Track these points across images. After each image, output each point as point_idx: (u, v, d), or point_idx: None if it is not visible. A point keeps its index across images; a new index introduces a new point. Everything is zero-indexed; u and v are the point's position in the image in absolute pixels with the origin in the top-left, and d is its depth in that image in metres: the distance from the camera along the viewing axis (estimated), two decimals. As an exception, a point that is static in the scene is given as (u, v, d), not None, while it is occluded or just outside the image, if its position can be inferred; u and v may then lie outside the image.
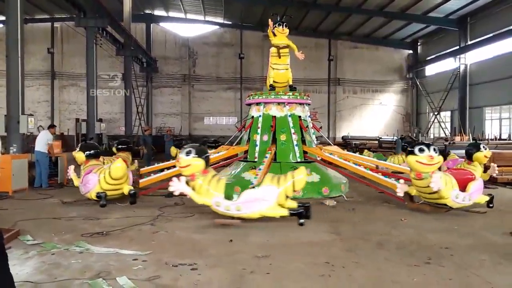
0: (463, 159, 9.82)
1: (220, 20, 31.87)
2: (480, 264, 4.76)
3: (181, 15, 31.74)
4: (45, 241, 5.54)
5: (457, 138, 20.36)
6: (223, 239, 5.75)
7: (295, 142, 10.07)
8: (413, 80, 32.31)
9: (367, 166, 9.44)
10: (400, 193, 7.80)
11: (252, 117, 10.77)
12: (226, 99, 32.23)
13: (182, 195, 6.68)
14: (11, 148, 10.81)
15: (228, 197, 6.62)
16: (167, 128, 27.23)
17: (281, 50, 10.43)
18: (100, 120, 20.81)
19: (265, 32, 11.00)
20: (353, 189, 10.06)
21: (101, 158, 9.61)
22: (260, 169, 8.70)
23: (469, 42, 25.04)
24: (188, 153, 6.46)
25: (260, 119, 10.37)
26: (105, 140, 21.51)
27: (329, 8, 26.80)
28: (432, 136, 28.16)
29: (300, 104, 10.57)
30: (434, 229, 6.47)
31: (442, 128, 28.16)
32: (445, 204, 7.39)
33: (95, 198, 8.14)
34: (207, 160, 6.65)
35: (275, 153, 9.95)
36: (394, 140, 19.56)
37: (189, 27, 32.43)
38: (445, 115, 28.87)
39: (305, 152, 10.27)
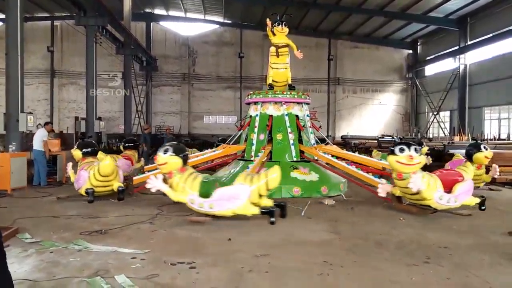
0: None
1: (220, 19, 31.84)
2: (479, 264, 4.75)
3: (181, 14, 31.71)
4: (43, 239, 5.53)
5: (456, 138, 20.38)
6: (221, 237, 5.74)
7: (291, 142, 10.06)
8: (412, 80, 32.30)
9: (364, 168, 9.23)
10: (381, 193, 7.63)
11: (250, 116, 10.80)
12: (225, 98, 32.21)
13: (159, 192, 6.89)
14: (10, 146, 10.80)
15: (207, 195, 6.66)
16: (167, 126, 27.24)
17: (279, 50, 10.43)
18: (100, 119, 20.76)
19: (265, 31, 10.99)
20: (352, 189, 10.06)
21: (108, 156, 9.78)
22: (248, 168, 8.68)
23: (469, 42, 25.02)
24: (165, 151, 6.71)
25: (258, 118, 10.38)
26: (104, 138, 21.48)
27: (329, 7, 26.77)
28: (431, 136, 28.20)
29: (298, 103, 10.56)
30: (433, 228, 6.47)
31: (441, 128, 28.18)
32: (430, 206, 7.24)
33: (85, 194, 8.38)
34: (184, 158, 6.85)
35: (271, 152, 9.96)
36: (394, 139, 19.55)
37: (189, 26, 32.39)
38: (445, 115, 28.87)
39: (302, 152, 10.27)
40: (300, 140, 10.45)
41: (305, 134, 10.59)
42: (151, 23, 31.91)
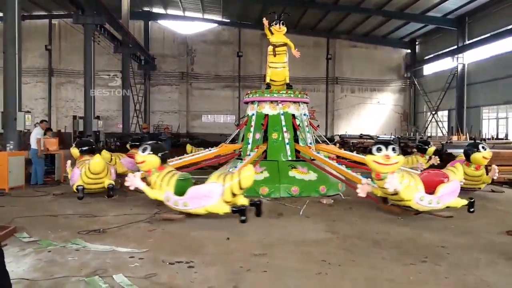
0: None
1: (218, 18, 31.81)
2: (476, 263, 4.77)
3: (180, 12, 31.67)
4: (41, 239, 5.52)
5: (455, 138, 20.41)
6: (220, 237, 5.74)
7: (286, 141, 10.03)
8: (411, 80, 32.35)
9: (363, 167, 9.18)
10: (361, 193, 7.30)
11: (247, 115, 10.80)
12: (224, 97, 32.19)
13: (137, 190, 7.06)
14: (8, 145, 10.78)
15: (183, 193, 6.69)
16: (165, 125, 27.23)
17: (277, 49, 10.41)
18: (98, 118, 20.73)
19: (264, 30, 10.97)
20: (350, 188, 10.04)
21: (111, 155, 10.35)
22: (235, 167, 8.61)
23: (467, 42, 25.07)
24: (144, 150, 6.87)
25: (254, 117, 10.38)
26: (103, 137, 21.44)
27: (327, 6, 26.80)
28: (430, 135, 28.22)
29: (295, 102, 10.53)
30: (430, 228, 6.48)
31: (440, 128, 28.23)
32: (410, 206, 6.94)
33: (76, 191, 8.57)
34: (163, 157, 6.98)
35: (266, 151, 9.94)
36: (392, 139, 19.54)
37: (188, 25, 32.36)
38: (443, 115, 28.93)
39: (298, 151, 10.24)
40: (296, 140, 10.41)
41: (301, 133, 10.53)
42: (150, 22, 31.86)
